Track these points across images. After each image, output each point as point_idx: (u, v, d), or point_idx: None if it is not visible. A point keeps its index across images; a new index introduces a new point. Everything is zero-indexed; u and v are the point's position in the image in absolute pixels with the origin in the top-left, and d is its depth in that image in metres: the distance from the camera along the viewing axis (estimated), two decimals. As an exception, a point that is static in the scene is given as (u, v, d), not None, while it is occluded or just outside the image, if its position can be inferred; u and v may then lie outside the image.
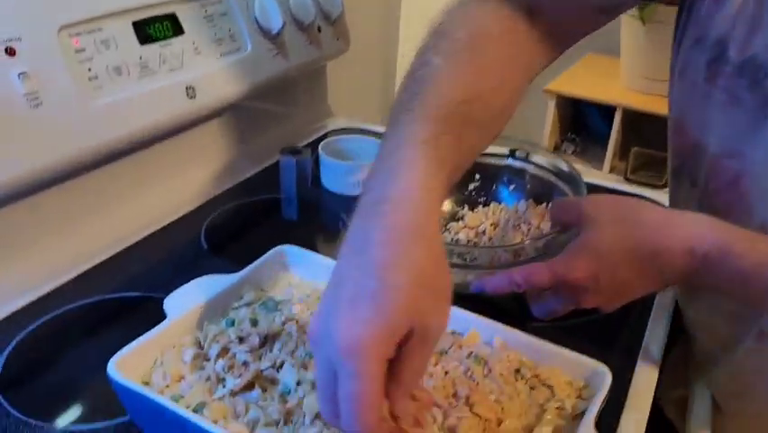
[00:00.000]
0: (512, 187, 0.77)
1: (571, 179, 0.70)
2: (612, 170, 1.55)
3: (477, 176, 0.78)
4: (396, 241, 0.39)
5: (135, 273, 0.71)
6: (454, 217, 0.77)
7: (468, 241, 0.72)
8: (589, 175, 1.52)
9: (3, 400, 0.54)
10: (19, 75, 0.60)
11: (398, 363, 0.38)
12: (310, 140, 1.06)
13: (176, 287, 0.58)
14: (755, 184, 0.55)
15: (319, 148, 0.92)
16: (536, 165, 0.76)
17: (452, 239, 0.73)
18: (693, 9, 0.58)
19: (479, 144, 0.53)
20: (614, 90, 1.52)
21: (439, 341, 0.55)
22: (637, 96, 1.47)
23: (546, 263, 0.55)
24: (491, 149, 0.77)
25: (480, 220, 0.74)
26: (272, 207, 0.89)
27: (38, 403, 0.54)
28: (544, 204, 0.73)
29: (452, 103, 0.47)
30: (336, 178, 0.91)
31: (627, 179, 1.48)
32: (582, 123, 1.67)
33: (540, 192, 0.74)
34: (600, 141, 1.57)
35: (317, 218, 0.89)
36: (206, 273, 0.60)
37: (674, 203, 0.68)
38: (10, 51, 0.60)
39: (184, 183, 0.85)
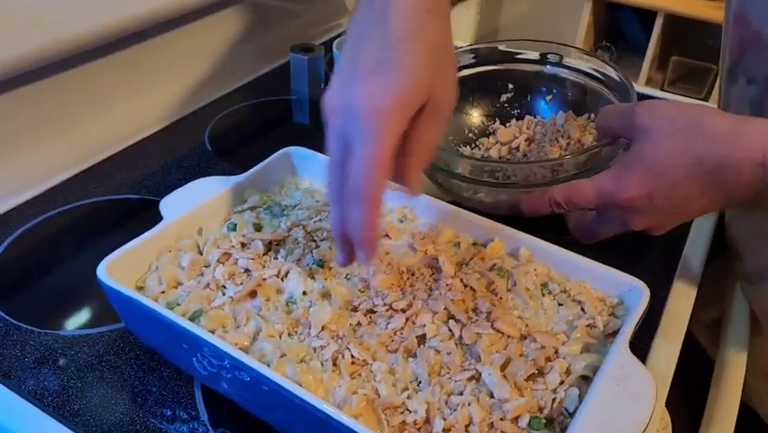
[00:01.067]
0: (549, 97, 0.69)
1: (618, 85, 0.62)
2: (649, 81, 1.45)
3: (510, 86, 0.69)
4: (412, 16, 0.40)
5: (135, 175, 0.67)
6: (485, 132, 0.69)
7: (500, 157, 0.65)
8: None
9: (-7, 303, 0.51)
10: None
11: (412, 135, 0.40)
12: (324, 39, 0.99)
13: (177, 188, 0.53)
14: None
15: (333, 46, 0.85)
16: (575, 70, 0.67)
17: (482, 155, 0.66)
18: None
19: None
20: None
21: (461, 250, 0.50)
22: (681, 0, 1.34)
23: (591, 180, 0.49)
24: (524, 54, 0.68)
25: (514, 135, 0.66)
26: (282, 110, 0.83)
27: (29, 307, 0.51)
28: (586, 115, 0.65)
29: None
30: (351, 78, 0.83)
31: (665, 91, 1.38)
32: (618, 29, 1.55)
33: (581, 102, 0.66)
34: (637, 49, 1.46)
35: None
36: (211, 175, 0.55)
37: (726, 107, 0.61)
38: None
39: (188, 81, 0.79)
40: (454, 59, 0.43)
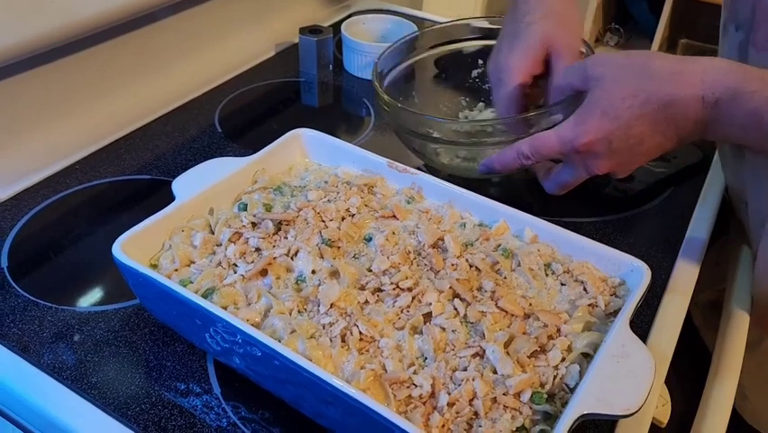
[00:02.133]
0: None
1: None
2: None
3: (480, 61, 0.72)
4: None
5: (146, 156, 0.68)
6: (459, 107, 0.73)
7: None
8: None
9: (11, 280, 0.53)
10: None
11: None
12: (333, 21, 0.99)
13: (188, 169, 0.54)
14: None
15: (342, 28, 0.85)
16: None
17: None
18: None
19: None
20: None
21: (466, 231, 0.51)
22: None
23: (554, 130, 0.52)
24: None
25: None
26: (291, 92, 0.83)
27: (46, 285, 0.52)
28: None
29: None
30: (360, 60, 0.84)
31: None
32: (628, 12, 1.54)
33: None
34: (646, 32, 1.45)
35: (339, 104, 0.84)
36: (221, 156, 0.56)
37: (724, 46, 0.63)
38: None
39: (198, 63, 0.79)
40: (574, 19, 0.60)
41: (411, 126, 0.61)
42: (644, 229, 0.61)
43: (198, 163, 0.55)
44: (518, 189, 0.66)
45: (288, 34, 0.91)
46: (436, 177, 0.56)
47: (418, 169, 0.56)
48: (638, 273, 0.47)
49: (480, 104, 0.73)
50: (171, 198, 0.51)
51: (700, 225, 0.62)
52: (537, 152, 0.53)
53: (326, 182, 0.57)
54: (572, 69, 0.54)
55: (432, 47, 0.72)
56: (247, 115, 0.78)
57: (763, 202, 0.60)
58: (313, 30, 0.84)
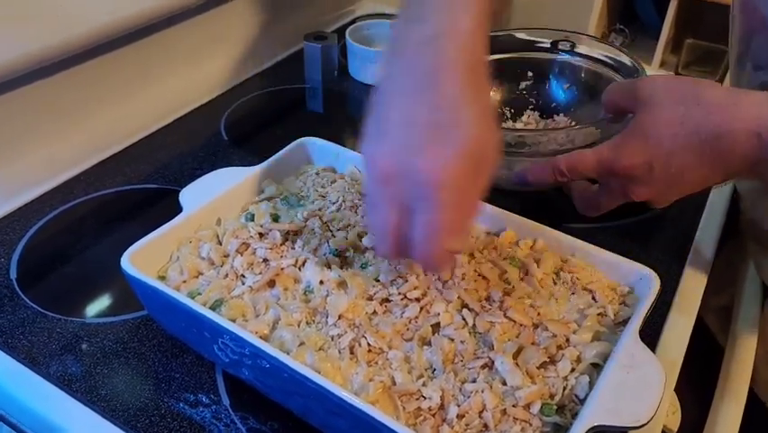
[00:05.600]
0: (566, 85, 0.69)
1: (630, 70, 0.62)
2: (663, 65, 1.43)
3: (529, 73, 0.69)
4: (464, 79, 0.38)
5: (153, 165, 0.68)
6: (504, 118, 0.70)
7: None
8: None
9: (20, 292, 0.53)
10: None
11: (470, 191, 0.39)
12: (337, 26, 0.99)
13: (194, 180, 0.54)
14: None
15: (346, 34, 0.85)
16: (589, 58, 0.67)
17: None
18: None
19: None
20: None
21: (473, 241, 0.51)
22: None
23: (593, 150, 0.50)
24: (541, 42, 0.68)
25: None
26: (296, 98, 0.83)
27: (55, 296, 0.53)
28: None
29: None
30: (365, 66, 0.84)
31: (679, 74, 1.37)
32: (633, 12, 1.54)
33: (596, 88, 0.66)
34: (652, 32, 1.44)
35: (344, 110, 0.84)
36: (226, 166, 0.56)
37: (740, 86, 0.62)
38: None
39: (202, 71, 0.80)
40: (495, 116, 0.42)
41: None
42: (652, 235, 0.60)
43: (205, 171, 0.55)
44: (526, 195, 0.66)
45: (293, 40, 0.91)
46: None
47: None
48: (647, 282, 0.46)
49: (525, 114, 0.70)
50: (178, 208, 0.51)
51: (708, 230, 0.62)
52: (574, 169, 0.51)
53: (333, 190, 0.57)
54: (618, 88, 0.52)
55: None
56: (253, 122, 0.78)
57: None
58: (318, 36, 0.84)
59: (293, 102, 0.83)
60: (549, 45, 0.70)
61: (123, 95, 0.70)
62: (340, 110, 0.83)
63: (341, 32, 0.91)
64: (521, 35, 0.69)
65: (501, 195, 0.63)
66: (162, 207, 0.63)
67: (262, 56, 0.88)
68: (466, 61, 0.39)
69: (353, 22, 0.98)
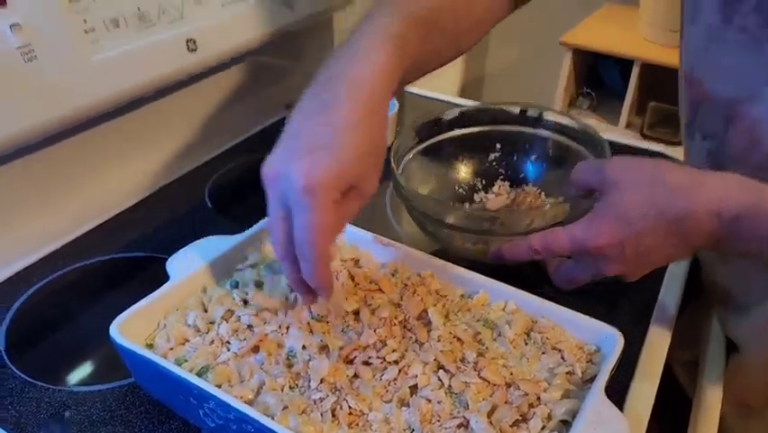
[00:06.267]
0: (534, 156, 0.73)
1: (595, 142, 0.66)
2: (628, 126, 1.51)
3: (497, 146, 0.73)
4: (357, 113, 0.45)
5: (139, 233, 0.70)
6: (474, 189, 0.73)
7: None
8: (605, 131, 1.47)
9: (8, 362, 0.54)
10: (11, 26, 0.57)
11: (337, 209, 0.45)
12: (317, 95, 1.04)
13: (180, 247, 0.57)
14: None
15: (326, 104, 0.89)
16: (557, 131, 0.71)
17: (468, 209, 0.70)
18: None
19: (444, 51, 0.59)
20: (632, 42, 1.47)
21: (448, 303, 0.54)
22: (656, 49, 1.41)
23: (566, 229, 0.53)
24: (509, 114, 0.72)
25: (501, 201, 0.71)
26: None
27: (43, 365, 0.54)
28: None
29: (423, 8, 0.53)
30: (344, 134, 0.88)
31: (644, 135, 1.44)
32: (598, 76, 1.62)
33: (562, 159, 0.70)
34: (617, 95, 1.52)
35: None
36: (211, 233, 0.59)
37: (688, 159, 0.66)
38: (0, 1, 0.57)
39: (186, 141, 0.83)
40: (383, 156, 0.48)
41: (425, 210, 0.61)
42: (618, 297, 0.63)
43: (190, 239, 0.57)
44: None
45: (274, 109, 0.95)
46: (416, 250, 0.58)
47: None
48: (612, 341, 0.49)
49: (496, 185, 0.74)
50: (165, 275, 0.54)
51: (671, 290, 0.65)
52: (548, 248, 0.53)
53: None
54: (588, 168, 0.55)
55: (451, 128, 0.73)
56: (236, 189, 0.81)
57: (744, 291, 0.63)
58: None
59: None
60: (517, 115, 0.74)
61: (108, 167, 0.73)
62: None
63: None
64: (490, 107, 0.73)
65: (484, 267, 0.65)
66: (149, 274, 0.65)
67: (243, 125, 0.92)
68: (357, 99, 0.45)
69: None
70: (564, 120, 0.71)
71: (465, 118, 0.73)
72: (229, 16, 0.79)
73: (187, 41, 0.74)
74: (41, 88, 0.60)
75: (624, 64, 1.49)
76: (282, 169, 0.44)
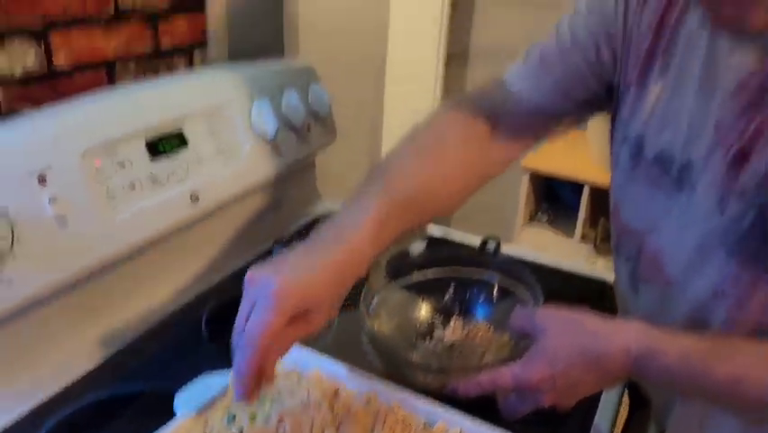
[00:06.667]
0: (482, 297, 0.86)
1: (534, 288, 0.79)
2: (583, 239, 1.66)
3: (452, 287, 0.86)
4: (335, 261, 0.59)
5: (142, 366, 0.79)
6: (433, 326, 0.85)
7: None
8: (561, 245, 1.62)
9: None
10: (49, 200, 0.69)
11: (285, 330, 0.55)
12: (301, 223, 1.16)
13: (181, 378, 0.66)
14: (670, 254, 0.66)
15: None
16: (503, 275, 0.85)
17: (432, 347, 0.82)
18: (618, 113, 0.72)
19: (423, 221, 0.74)
20: (583, 166, 1.64)
21: (413, 431, 0.64)
22: (605, 173, 1.58)
23: (508, 367, 0.64)
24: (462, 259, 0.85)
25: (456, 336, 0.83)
26: (266, 294, 0.97)
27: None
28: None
29: (402, 193, 0.67)
30: (324, 266, 1.00)
31: (597, 248, 1.58)
32: (555, 193, 1.79)
33: (507, 300, 0.83)
34: (572, 211, 1.68)
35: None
36: (208, 362, 0.68)
37: (617, 275, 0.79)
38: (42, 180, 0.69)
39: (184, 275, 0.93)
40: (339, 305, 0.61)
41: (389, 350, 0.72)
42: (559, 422, 0.73)
43: (190, 367, 0.66)
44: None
45: (262, 240, 1.07)
46: (387, 381, 0.69)
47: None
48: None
49: (452, 321, 0.84)
50: (169, 406, 0.62)
51: (604, 413, 0.76)
52: (494, 384, 0.64)
53: (298, 388, 0.69)
54: (523, 316, 0.67)
55: (413, 270, 0.86)
56: (230, 320, 0.90)
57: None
58: (286, 243, 1.01)
59: (263, 298, 0.96)
60: (475, 251, 0.87)
61: (111, 308, 0.82)
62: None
63: (306, 228, 1.07)
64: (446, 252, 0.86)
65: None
66: (153, 407, 0.72)
67: (235, 258, 1.03)
68: (338, 257, 0.59)
69: (315, 220, 1.16)
70: (519, 250, 0.84)
71: (429, 259, 0.86)
72: (226, 170, 0.93)
73: (191, 195, 0.87)
74: (70, 249, 0.71)
75: (577, 183, 1.65)
76: (262, 276, 0.56)
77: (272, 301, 0.54)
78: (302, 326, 0.57)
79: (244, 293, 0.57)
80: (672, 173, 0.65)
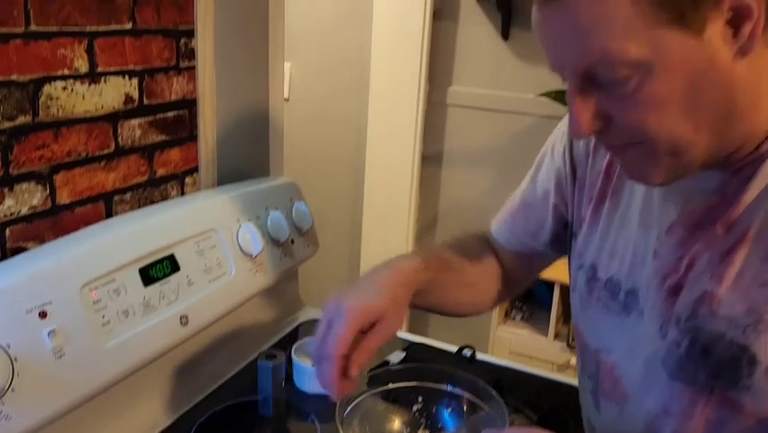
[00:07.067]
0: (449, 409, 0.90)
1: (497, 406, 0.84)
2: (557, 336, 1.71)
3: (420, 398, 0.91)
4: (390, 281, 0.74)
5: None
6: None
7: None
8: (536, 342, 1.67)
9: None
10: (48, 333, 0.74)
11: (362, 339, 0.69)
12: (284, 333, 1.20)
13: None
14: (624, 372, 0.72)
15: (292, 351, 1.06)
16: (468, 390, 0.89)
17: None
18: (574, 245, 0.81)
19: (455, 286, 0.87)
20: (554, 266, 1.71)
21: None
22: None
23: None
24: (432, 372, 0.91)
25: None
26: (251, 405, 1.00)
27: None
28: None
29: (438, 254, 0.85)
30: (307, 379, 1.04)
31: (570, 346, 1.63)
32: (529, 292, 1.86)
33: (474, 411, 0.86)
34: (545, 309, 1.74)
35: (290, 416, 1.01)
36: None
37: (581, 390, 0.84)
38: (42, 315, 0.74)
39: (172, 391, 0.97)
40: (403, 314, 0.75)
41: None
42: None
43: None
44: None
45: (248, 352, 1.10)
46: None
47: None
48: None
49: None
50: None
51: None
52: None
53: None
54: None
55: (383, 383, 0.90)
56: (221, 431, 0.93)
57: None
58: (269, 355, 1.05)
59: (248, 408, 0.99)
60: (440, 373, 0.92)
61: (107, 426, 0.86)
62: (286, 416, 1.01)
63: (288, 337, 1.10)
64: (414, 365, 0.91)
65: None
66: None
67: (221, 372, 1.06)
68: (391, 278, 0.74)
69: (298, 328, 1.20)
70: (493, 358, 0.89)
71: (402, 371, 0.92)
72: (214, 290, 0.98)
73: (181, 318, 0.91)
74: (66, 379, 0.75)
75: (550, 283, 1.72)
76: (334, 301, 0.70)
77: (343, 318, 0.67)
78: (375, 336, 0.69)
79: (322, 316, 0.71)
80: (620, 298, 0.73)
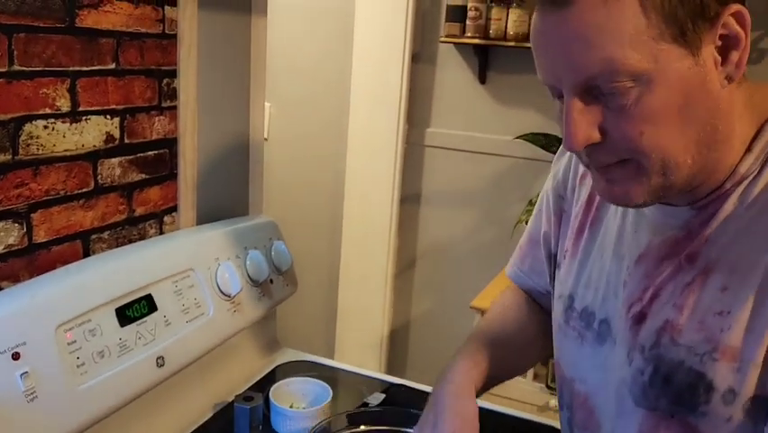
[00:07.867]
0: None
1: None
2: (536, 378, 1.71)
3: None
4: (452, 402, 0.75)
5: None
6: None
7: None
8: (516, 383, 1.66)
9: None
10: (21, 375, 0.72)
11: None
12: (262, 375, 1.18)
13: None
14: (597, 403, 0.73)
15: (270, 393, 1.04)
16: None
17: None
18: (556, 274, 0.83)
19: (507, 362, 0.87)
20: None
21: None
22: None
23: None
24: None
25: None
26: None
27: None
28: None
29: (485, 339, 0.85)
30: (285, 422, 1.02)
31: (549, 387, 1.63)
32: (507, 331, 1.87)
33: None
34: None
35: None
36: None
37: (561, 423, 0.84)
38: (15, 356, 0.72)
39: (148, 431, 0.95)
40: (477, 423, 0.74)
41: None
42: None
43: None
44: None
45: (225, 394, 1.08)
46: None
47: None
48: None
49: None
50: None
51: None
52: None
53: None
54: None
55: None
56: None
57: None
58: (246, 397, 1.03)
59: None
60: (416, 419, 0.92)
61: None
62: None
63: (266, 378, 1.09)
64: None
65: None
66: None
67: (197, 414, 1.04)
68: (455, 395, 0.76)
69: (275, 370, 1.18)
70: None
71: (369, 417, 0.91)
72: (192, 330, 0.97)
73: (157, 359, 0.90)
74: (37, 423, 0.73)
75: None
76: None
77: None
78: None
79: None
80: (595, 327, 0.74)
